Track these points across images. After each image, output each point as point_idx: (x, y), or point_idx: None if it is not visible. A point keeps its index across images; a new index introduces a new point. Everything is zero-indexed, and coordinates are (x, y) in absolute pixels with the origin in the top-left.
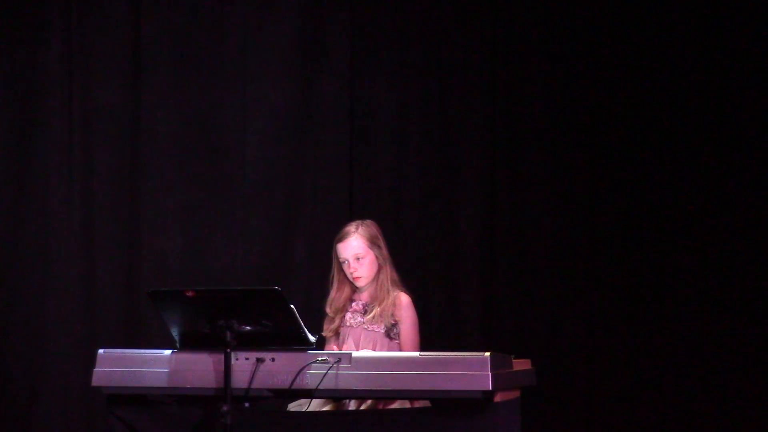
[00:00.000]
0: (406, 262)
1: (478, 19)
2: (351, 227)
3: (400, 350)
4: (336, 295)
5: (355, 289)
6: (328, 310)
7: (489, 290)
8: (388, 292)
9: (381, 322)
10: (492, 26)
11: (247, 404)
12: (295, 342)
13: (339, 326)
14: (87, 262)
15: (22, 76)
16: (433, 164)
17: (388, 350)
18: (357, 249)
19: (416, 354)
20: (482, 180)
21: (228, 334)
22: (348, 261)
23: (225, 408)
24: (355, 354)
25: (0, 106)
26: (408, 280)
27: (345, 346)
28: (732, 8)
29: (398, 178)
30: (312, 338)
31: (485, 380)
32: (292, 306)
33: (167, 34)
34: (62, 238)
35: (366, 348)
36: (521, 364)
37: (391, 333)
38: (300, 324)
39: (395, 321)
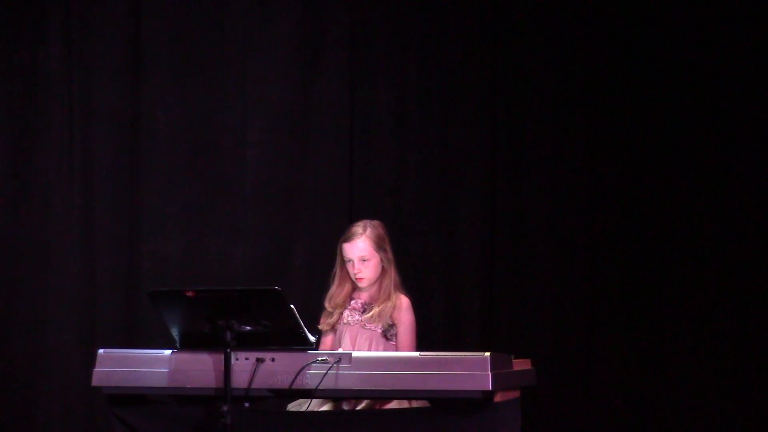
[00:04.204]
0: (406, 262)
1: (478, 20)
2: (359, 228)
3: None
4: (336, 291)
5: (355, 287)
6: (327, 304)
7: (489, 290)
8: (389, 295)
9: (379, 322)
10: (492, 27)
11: (247, 404)
12: (295, 342)
13: (336, 322)
14: (87, 262)
15: (22, 75)
16: (433, 164)
17: (384, 350)
18: (363, 251)
19: (416, 354)
20: (482, 180)
21: (228, 334)
22: (353, 261)
23: (225, 408)
24: (355, 354)
25: (0, 105)
26: (408, 280)
27: (341, 344)
28: (732, 8)
29: (398, 178)
30: (312, 338)
31: (485, 380)
32: (292, 306)
33: (167, 34)
34: (62, 237)
35: (362, 346)
36: (521, 364)
37: (388, 333)
38: (300, 324)
39: (393, 322)
